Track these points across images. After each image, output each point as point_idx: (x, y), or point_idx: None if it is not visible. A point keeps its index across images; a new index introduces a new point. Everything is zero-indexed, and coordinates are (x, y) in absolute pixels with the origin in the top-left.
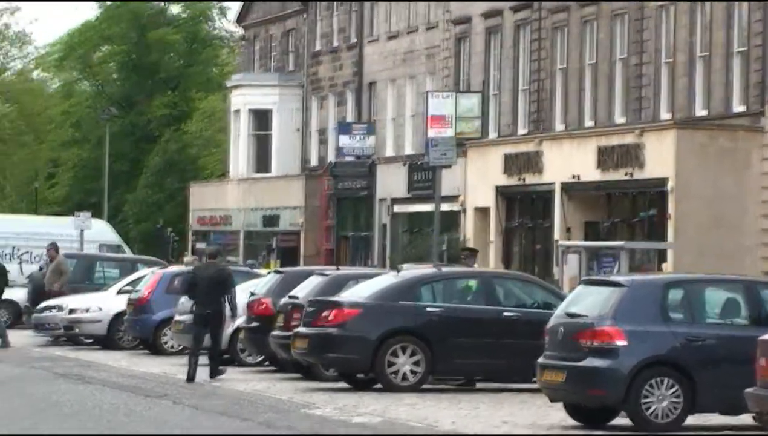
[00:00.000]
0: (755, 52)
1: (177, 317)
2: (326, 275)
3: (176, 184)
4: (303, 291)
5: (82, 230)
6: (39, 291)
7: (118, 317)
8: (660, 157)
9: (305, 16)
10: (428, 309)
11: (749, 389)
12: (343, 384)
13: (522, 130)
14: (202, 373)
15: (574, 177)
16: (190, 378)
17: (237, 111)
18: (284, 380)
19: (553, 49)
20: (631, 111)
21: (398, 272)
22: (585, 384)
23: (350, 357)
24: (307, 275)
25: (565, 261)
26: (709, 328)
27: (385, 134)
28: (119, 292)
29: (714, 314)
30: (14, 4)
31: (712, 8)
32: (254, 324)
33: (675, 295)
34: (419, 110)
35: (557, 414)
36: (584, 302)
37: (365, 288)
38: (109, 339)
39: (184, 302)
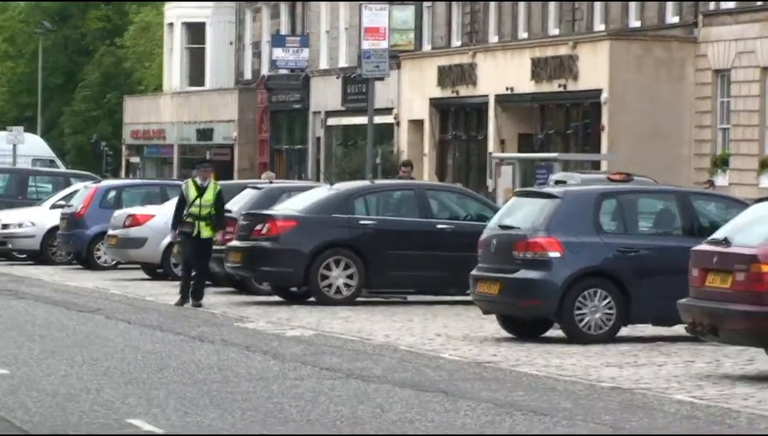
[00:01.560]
0: None
1: (110, 232)
2: (260, 189)
3: (114, 99)
4: (237, 205)
5: (14, 145)
6: None
7: (52, 231)
8: (594, 68)
9: None
10: (362, 222)
11: (682, 300)
12: (276, 298)
13: (456, 43)
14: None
15: (508, 89)
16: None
17: (171, 24)
18: (218, 293)
19: None
20: (565, 22)
21: (331, 185)
22: (519, 296)
23: (284, 271)
24: (240, 188)
25: (499, 173)
26: (642, 239)
27: (319, 47)
28: (53, 206)
29: (647, 225)
30: None
31: None
32: None
33: (608, 206)
34: (353, 22)
35: (491, 326)
36: (518, 213)
37: (299, 201)
38: (42, 254)
39: (117, 216)
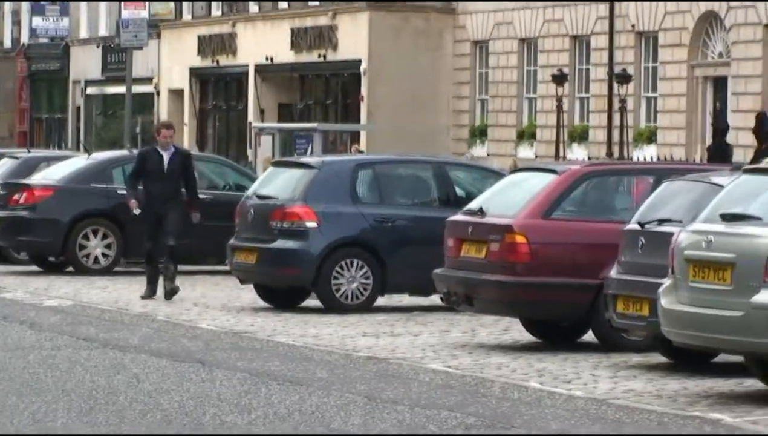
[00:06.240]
0: None
1: None
2: (17, 158)
3: None
4: None
5: None
6: None
7: None
8: (353, 39)
9: None
10: (120, 192)
11: (437, 270)
12: (34, 268)
13: (216, 12)
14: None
15: (267, 59)
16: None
17: None
18: None
19: None
20: None
21: (89, 154)
22: (276, 265)
23: (41, 240)
24: None
25: (259, 143)
26: (398, 209)
27: (79, 15)
28: None
29: (404, 195)
30: None
31: None
32: None
33: (365, 176)
34: None
35: (248, 296)
36: (275, 183)
37: (57, 171)
38: None
39: None
